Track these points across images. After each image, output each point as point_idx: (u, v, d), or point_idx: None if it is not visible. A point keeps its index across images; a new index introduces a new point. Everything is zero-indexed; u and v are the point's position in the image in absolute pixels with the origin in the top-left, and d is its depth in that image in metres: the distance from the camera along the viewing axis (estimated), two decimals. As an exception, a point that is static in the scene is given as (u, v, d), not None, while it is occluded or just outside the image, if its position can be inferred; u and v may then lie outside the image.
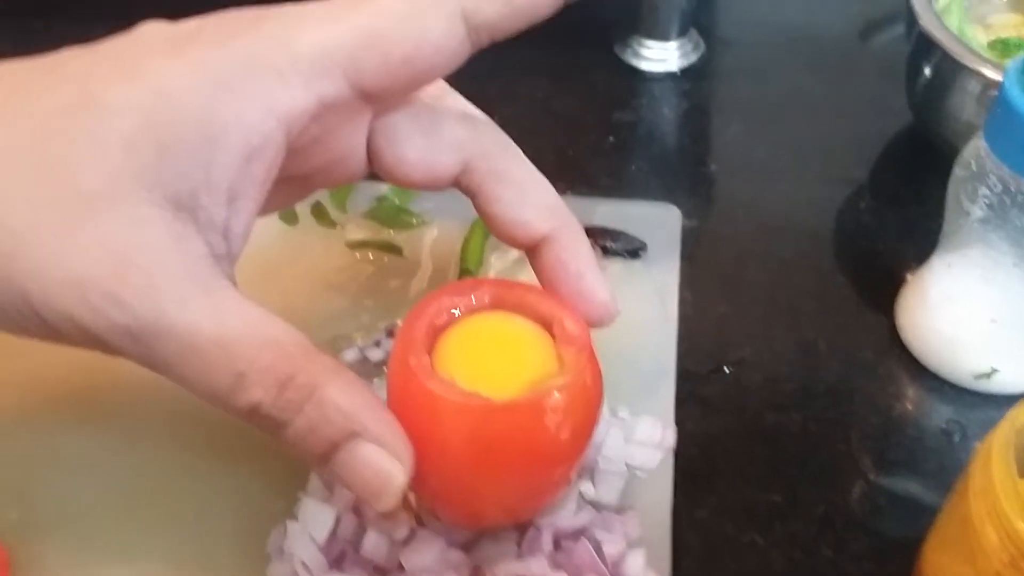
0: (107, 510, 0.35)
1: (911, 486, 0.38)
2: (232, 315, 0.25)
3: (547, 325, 0.32)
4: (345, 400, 0.26)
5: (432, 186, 0.33)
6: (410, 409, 0.29)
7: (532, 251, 0.32)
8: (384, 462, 0.26)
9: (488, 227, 0.33)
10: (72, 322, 0.24)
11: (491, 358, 0.30)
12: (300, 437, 0.26)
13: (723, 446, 0.39)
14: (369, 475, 0.26)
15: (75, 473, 0.37)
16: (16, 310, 0.24)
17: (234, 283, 0.27)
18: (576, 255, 0.32)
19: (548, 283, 0.32)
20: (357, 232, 0.48)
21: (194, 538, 0.34)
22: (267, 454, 0.37)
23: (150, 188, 0.25)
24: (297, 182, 0.32)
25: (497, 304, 0.32)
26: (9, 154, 0.24)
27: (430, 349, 0.30)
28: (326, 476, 0.34)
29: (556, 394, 0.28)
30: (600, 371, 0.31)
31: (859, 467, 0.39)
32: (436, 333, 0.31)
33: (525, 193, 0.31)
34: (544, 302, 0.32)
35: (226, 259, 0.27)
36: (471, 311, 0.32)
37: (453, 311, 0.31)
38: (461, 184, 0.32)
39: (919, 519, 0.36)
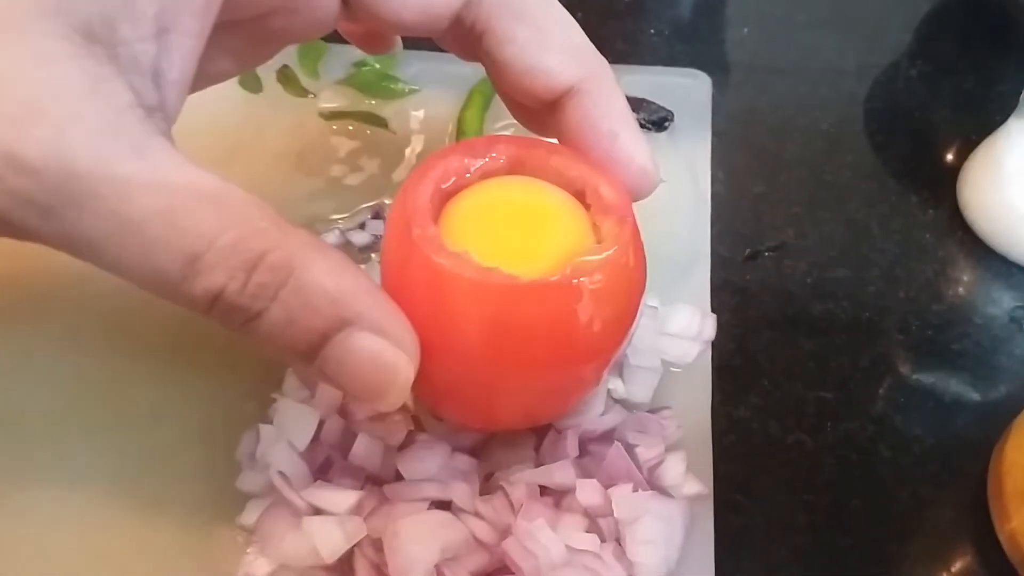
0: (43, 416, 0.30)
1: (978, 380, 0.33)
2: (176, 180, 0.20)
3: (578, 192, 0.26)
4: (332, 281, 0.20)
5: (427, 26, 0.26)
6: (412, 291, 0.23)
7: (554, 107, 0.26)
8: (386, 353, 0.21)
9: (497, 82, 0.27)
10: None
11: (512, 230, 0.24)
12: (277, 330, 0.20)
13: (764, 339, 0.34)
14: (368, 370, 0.21)
15: (4, 374, 0.31)
16: None
17: (172, 143, 0.21)
18: (609, 111, 0.25)
19: (575, 147, 0.26)
20: (333, 101, 0.42)
21: (148, 447, 0.29)
22: (234, 349, 0.32)
23: (52, 14, 0.19)
24: (251, 30, 0.25)
25: (517, 167, 0.26)
26: None
27: (436, 218, 0.24)
28: (310, 376, 0.29)
29: (596, 274, 0.23)
30: (643, 248, 0.26)
31: (919, 360, 0.34)
32: (443, 200, 0.25)
33: (545, 32, 0.25)
34: (575, 164, 0.26)
35: (159, 113, 0.21)
36: (485, 175, 0.26)
37: (464, 175, 0.25)
38: (465, 23, 0.26)
39: (989, 416, 0.32)
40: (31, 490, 0.28)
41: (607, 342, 0.25)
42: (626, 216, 0.25)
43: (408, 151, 0.40)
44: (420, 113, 0.42)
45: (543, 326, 0.23)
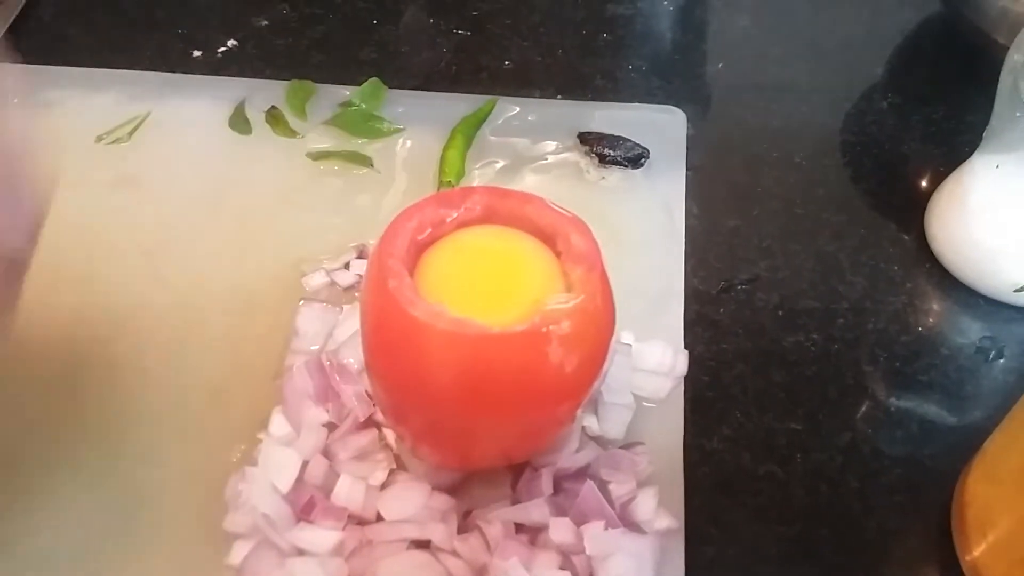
0: (35, 461, 0.31)
1: (945, 409, 0.34)
2: None
3: (549, 239, 0.27)
4: None
5: None
6: (389, 339, 0.24)
7: None
8: None
9: None
10: None
11: (485, 279, 0.26)
12: None
13: (736, 371, 0.36)
14: None
15: None
16: None
17: None
18: None
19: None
20: (320, 142, 0.43)
21: (139, 489, 0.30)
22: (224, 394, 0.33)
23: None
24: None
25: (490, 216, 0.27)
26: None
27: (412, 270, 0.25)
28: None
29: (564, 321, 0.24)
30: (611, 293, 0.27)
31: (887, 391, 0.35)
32: (419, 251, 0.26)
33: None
34: (545, 213, 0.27)
35: None
36: (460, 225, 0.27)
37: (441, 225, 0.26)
38: None
39: (956, 446, 0.33)
40: (25, 534, 0.29)
41: (579, 384, 0.26)
42: (595, 263, 0.26)
43: (392, 190, 0.41)
44: (404, 152, 0.43)
45: (515, 372, 0.24)
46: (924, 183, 0.42)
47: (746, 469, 0.33)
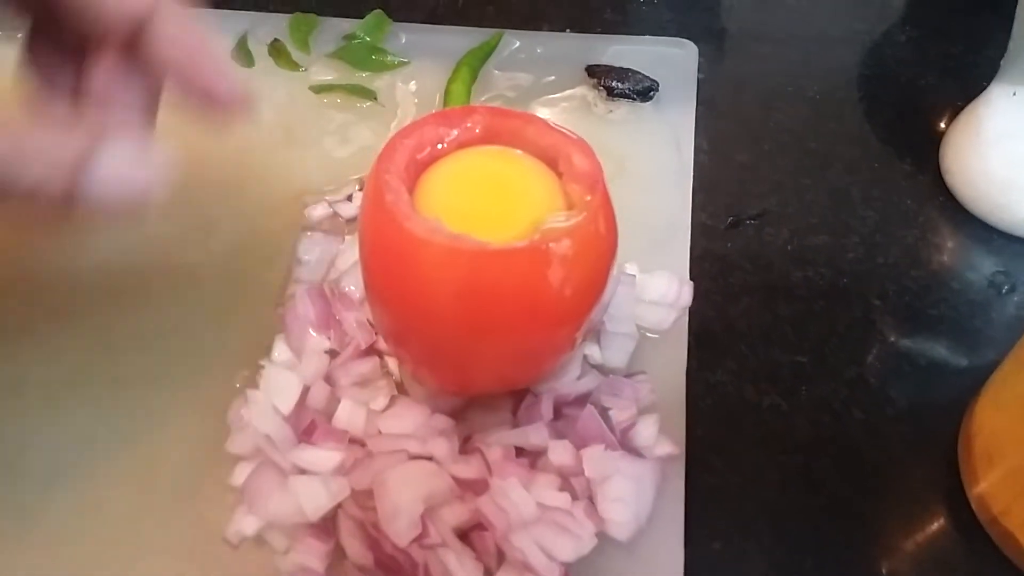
0: (43, 385, 0.31)
1: (954, 344, 0.34)
2: None
3: (551, 161, 0.26)
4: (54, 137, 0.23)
5: None
6: (386, 256, 0.24)
7: (136, 42, 0.25)
8: None
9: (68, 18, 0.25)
10: None
11: (485, 197, 0.25)
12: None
13: (743, 306, 0.35)
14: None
15: (5, 344, 0.32)
16: None
17: None
18: (186, 34, 0.26)
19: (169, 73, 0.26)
20: (323, 74, 0.42)
21: (143, 412, 0.30)
22: (225, 318, 0.33)
23: None
24: None
25: (491, 136, 0.27)
26: None
27: (411, 187, 0.25)
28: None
29: (564, 240, 0.23)
30: (614, 216, 0.26)
31: (895, 325, 0.34)
32: (418, 169, 0.26)
33: None
34: (548, 133, 0.26)
35: None
36: (461, 145, 0.26)
37: (439, 145, 0.26)
38: None
39: (963, 379, 0.32)
40: (32, 452, 0.30)
41: (579, 307, 0.26)
42: (596, 183, 0.25)
43: (396, 123, 0.41)
44: (409, 85, 0.42)
45: (513, 291, 0.24)
46: (940, 118, 0.41)
47: (749, 401, 0.32)
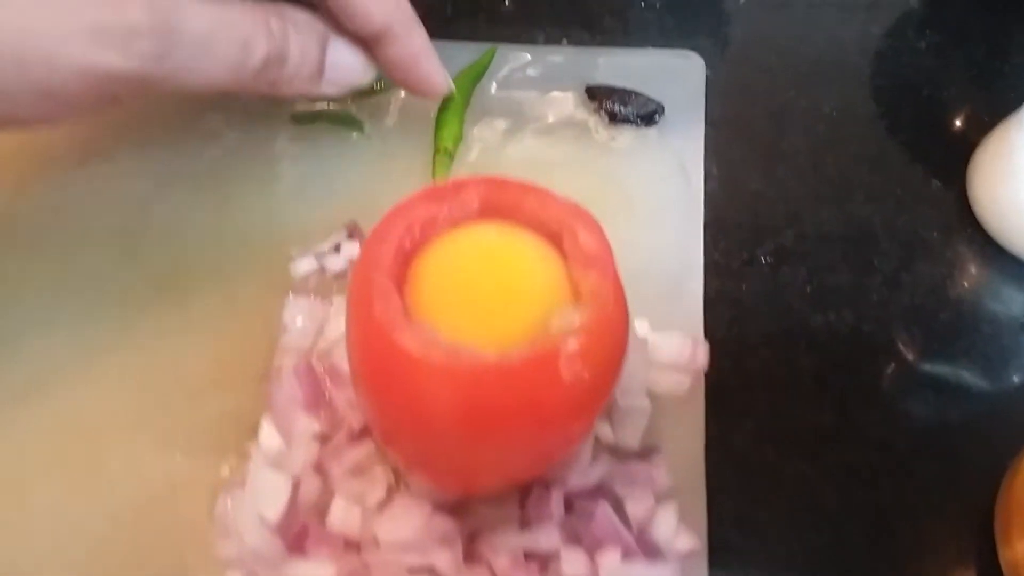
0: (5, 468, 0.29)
1: (988, 397, 0.32)
2: (216, 2, 0.26)
3: (554, 237, 0.24)
4: (304, 15, 0.29)
5: None
6: (380, 369, 0.21)
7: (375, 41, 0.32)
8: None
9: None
10: (92, 70, 0.24)
11: (483, 290, 0.23)
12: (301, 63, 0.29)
13: (761, 357, 0.33)
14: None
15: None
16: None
17: None
18: (412, 44, 0.32)
19: (390, 72, 0.33)
20: (305, 102, 0.39)
21: (119, 503, 0.28)
22: (207, 395, 0.30)
23: None
24: None
25: (488, 210, 0.24)
26: None
27: (401, 283, 0.22)
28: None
29: (573, 340, 0.21)
30: (624, 294, 0.24)
31: (924, 376, 0.32)
32: (408, 258, 0.23)
33: None
34: (549, 206, 0.24)
35: None
36: (454, 223, 0.24)
37: (432, 225, 0.23)
38: None
39: (1001, 440, 0.30)
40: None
41: (592, 402, 0.23)
42: (606, 266, 0.23)
43: (385, 158, 0.38)
44: (397, 112, 0.39)
45: (519, 402, 0.21)
46: (966, 136, 0.39)
47: (772, 467, 0.30)
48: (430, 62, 0.33)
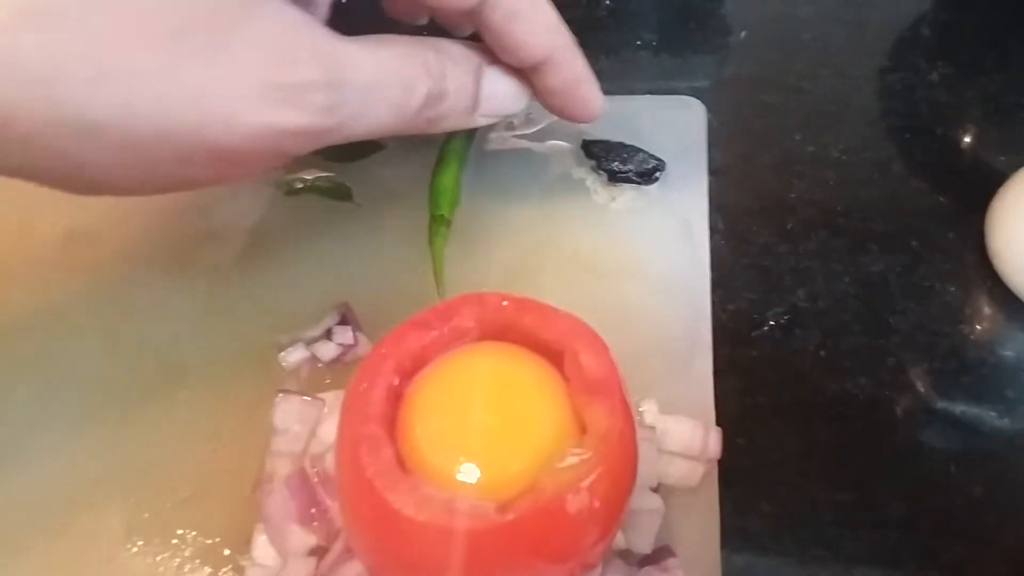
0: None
1: (1019, 471, 0.30)
2: (376, 48, 0.27)
3: (555, 357, 0.23)
4: (458, 47, 0.29)
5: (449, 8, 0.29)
6: (374, 527, 0.20)
7: (535, 69, 0.31)
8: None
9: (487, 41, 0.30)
10: (269, 128, 0.24)
11: (480, 429, 0.21)
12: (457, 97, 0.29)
13: (775, 432, 0.31)
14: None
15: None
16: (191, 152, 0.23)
17: None
18: (574, 70, 0.32)
19: (547, 99, 0.32)
20: (290, 169, 0.37)
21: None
22: (196, 506, 0.29)
23: None
24: None
25: (484, 333, 0.23)
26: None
27: (391, 424, 0.21)
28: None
29: (581, 484, 0.20)
30: (632, 416, 0.22)
31: (949, 448, 0.31)
32: (399, 393, 0.22)
33: (532, 22, 0.29)
34: (548, 325, 0.22)
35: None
36: (446, 348, 0.22)
37: (419, 356, 0.22)
38: (475, 20, 0.29)
39: (1027, 518, 0.29)
40: None
41: (603, 532, 0.22)
42: (613, 394, 0.21)
43: (377, 228, 0.36)
44: (387, 176, 0.38)
45: (525, 552, 0.20)
46: (984, 181, 0.37)
47: (791, 557, 0.29)
48: (590, 86, 0.32)
